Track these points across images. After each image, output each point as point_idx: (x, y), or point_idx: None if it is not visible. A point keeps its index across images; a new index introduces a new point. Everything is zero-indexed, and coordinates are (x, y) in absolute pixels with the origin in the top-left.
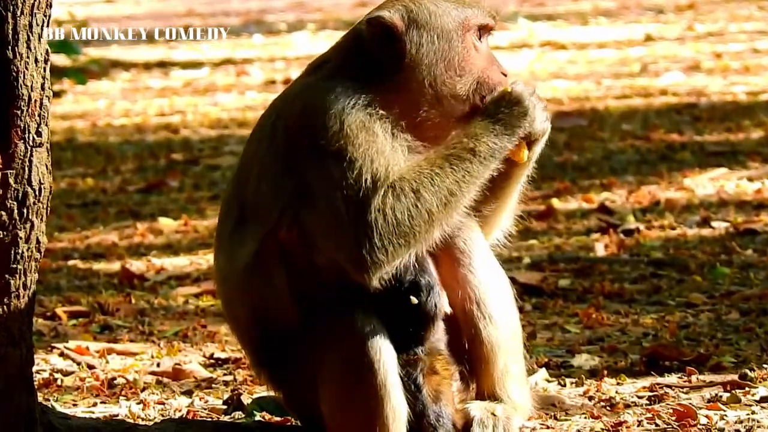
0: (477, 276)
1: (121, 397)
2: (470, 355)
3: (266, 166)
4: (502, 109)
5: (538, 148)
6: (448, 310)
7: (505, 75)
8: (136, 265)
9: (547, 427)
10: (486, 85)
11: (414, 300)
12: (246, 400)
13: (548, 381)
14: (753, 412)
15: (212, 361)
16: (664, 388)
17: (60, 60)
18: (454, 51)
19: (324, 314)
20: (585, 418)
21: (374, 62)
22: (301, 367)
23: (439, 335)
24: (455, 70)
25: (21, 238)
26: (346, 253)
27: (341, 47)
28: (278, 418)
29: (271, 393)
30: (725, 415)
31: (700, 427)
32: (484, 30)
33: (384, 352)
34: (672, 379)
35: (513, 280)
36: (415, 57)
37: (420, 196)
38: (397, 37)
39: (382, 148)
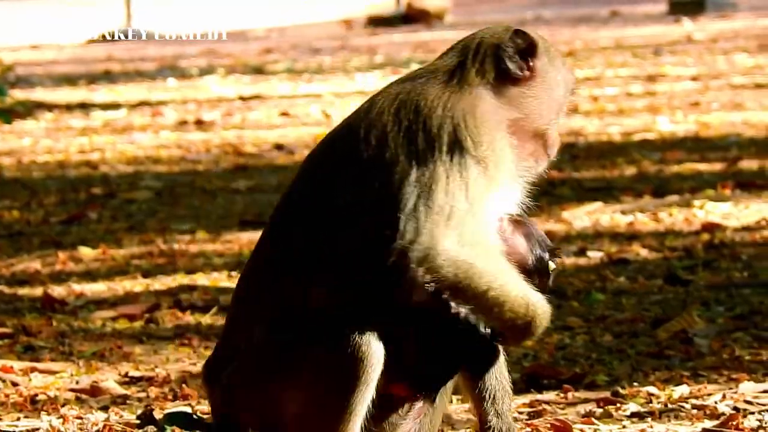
0: None
1: (42, 413)
2: None
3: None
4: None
5: None
6: None
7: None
8: (57, 291)
9: None
10: (554, 144)
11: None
12: (158, 415)
13: None
14: (624, 427)
15: (127, 379)
16: (543, 404)
17: None
18: (561, 96)
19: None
20: None
21: (501, 75)
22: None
23: None
24: (555, 112)
25: None
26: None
27: (462, 58)
28: None
29: (182, 408)
30: (598, 429)
31: None
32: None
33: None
34: (550, 396)
35: None
36: (541, 80)
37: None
38: (534, 57)
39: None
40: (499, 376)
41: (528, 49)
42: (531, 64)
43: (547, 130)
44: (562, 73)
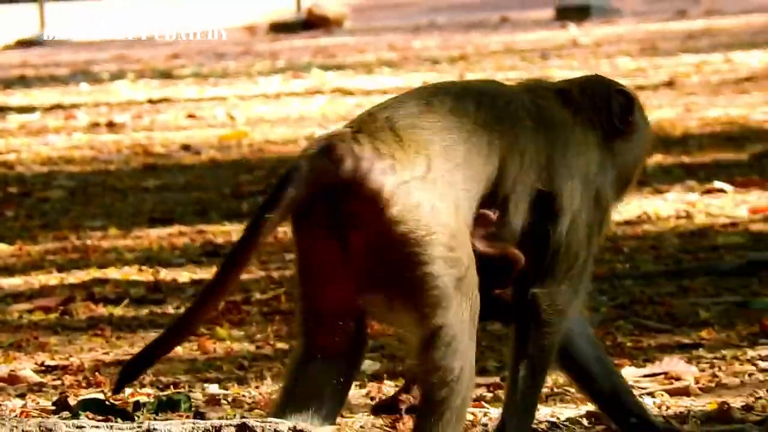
0: None
1: None
2: None
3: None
4: None
5: None
6: None
7: None
8: None
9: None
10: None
11: None
12: (72, 402)
13: None
14: None
15: (43, 368)
16: None
17: None
18: (648, 146)
19: None
20: (367, 416)
21: (611, 131)
22: None
23: None
24: (642, 161)
25: None
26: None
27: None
28: (101, 417)
29: (95, 395)
30: (488, 412)
31: (467, 423)
32: None
33: None
34: None
35: None
36: (636, 134)
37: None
38: (632, 113)
39: None
40: None
41: (628, 106)
42: (630, 119)
43: (632, 178)
44: (648, 124)
